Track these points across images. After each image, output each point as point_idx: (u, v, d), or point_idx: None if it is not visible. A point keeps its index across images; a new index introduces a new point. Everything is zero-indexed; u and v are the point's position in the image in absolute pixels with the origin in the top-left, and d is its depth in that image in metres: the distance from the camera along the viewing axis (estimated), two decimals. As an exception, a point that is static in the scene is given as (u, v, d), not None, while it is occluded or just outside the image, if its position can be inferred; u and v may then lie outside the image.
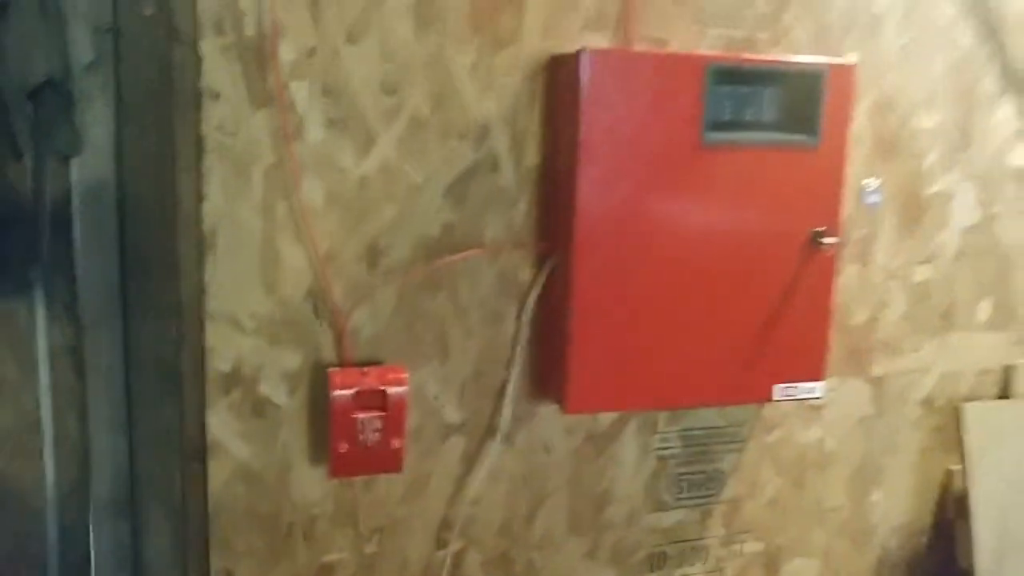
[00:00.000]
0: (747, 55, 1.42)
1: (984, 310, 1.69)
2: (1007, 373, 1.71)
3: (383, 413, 1.27)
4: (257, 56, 1.22)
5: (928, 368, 1.68)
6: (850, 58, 1.48)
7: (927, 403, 1.69)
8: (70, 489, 1.29)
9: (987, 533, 1.61)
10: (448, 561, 1.43)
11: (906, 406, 1.67)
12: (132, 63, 1.19)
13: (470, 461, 1.42)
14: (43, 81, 1.12)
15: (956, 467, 1.68)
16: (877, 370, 1.64)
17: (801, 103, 1.36)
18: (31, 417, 1.27)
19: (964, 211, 1.64)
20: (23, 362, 1.25)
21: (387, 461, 1.29)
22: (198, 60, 1.20)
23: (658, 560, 1.57)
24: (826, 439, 1.63)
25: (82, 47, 1.16)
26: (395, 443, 1.28)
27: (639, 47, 1.37)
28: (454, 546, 1.43)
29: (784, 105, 1.37)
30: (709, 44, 1.41)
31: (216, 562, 1.33)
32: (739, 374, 1.40)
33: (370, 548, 1.40)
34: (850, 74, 1.38)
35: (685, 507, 1.56)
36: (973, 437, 1.63)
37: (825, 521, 1.67)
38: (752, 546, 1.62)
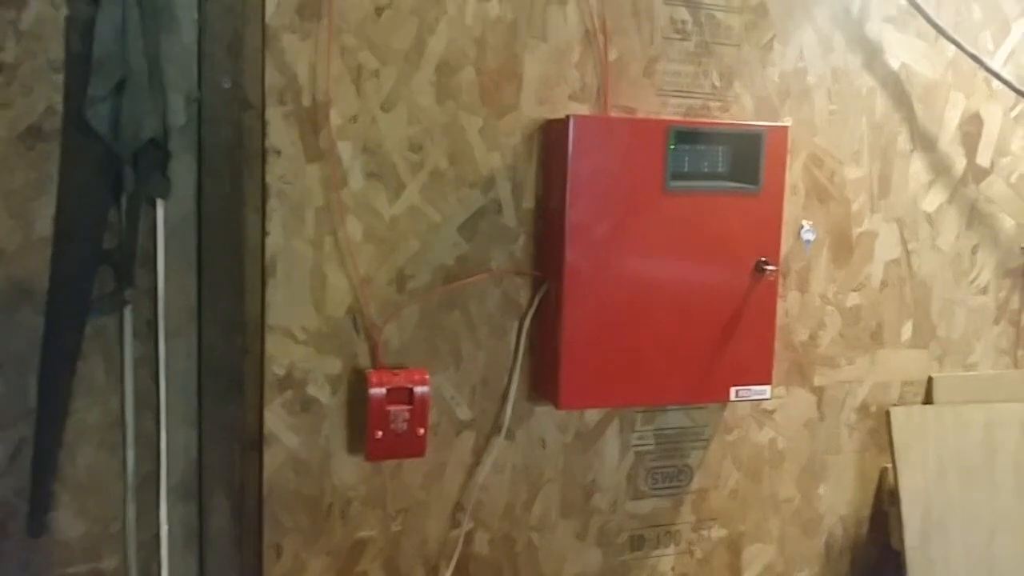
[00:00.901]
0: (701, 120, 1.75)
1: (907, 331, 2.00)
2: (928, 383, 2.02)
3: (410, 407, 1.55)
4: (311, 121, 1.53)
5: (862, 379, 1.97)
6: (785, 122, 1.81)
7: (862, 409, 1.98)
8: (145, 476, 1.54)
9: (913, 517, 1.89)
10: (461, 539, 1.69)
11: (844, 412, 1.97)
12: (212, 126, 1.48)
13: (479, 453, 1.69)
14: (148, 140, 1.42)
15: (890, 465, 1.97)
16: (818, 381, 1.94)
17: (745, 157, 1.68)
18: (115, 416, 1.52)
19: (887, 247, 1.95)
20: (111, 369, 1.51)
21: (413, 446, 1.57)
22: (264, 124, 1.51)
23: (637, 542, 1.83)
24: (778, 439, 1.92)
25: (176, 113, 1.46)
26: (420, 431, 1.56)
27: (614, 114, 1.70)
28: (466, 526, 1.69)
29: (732, 159, 1.69)
30: (670, 111, 1.74)
31: (268, 537, 1.59)
32: (701, 378, 1.69)
33: (396, 527, 1.66)
34: (784, 134, 1.70)
35: (659, 496, 1.84)
36: (900, 437, 1.92)
37: (779, 511, 1.95)
38: (718, 531, 1.90)
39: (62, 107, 1.41)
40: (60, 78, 1.41)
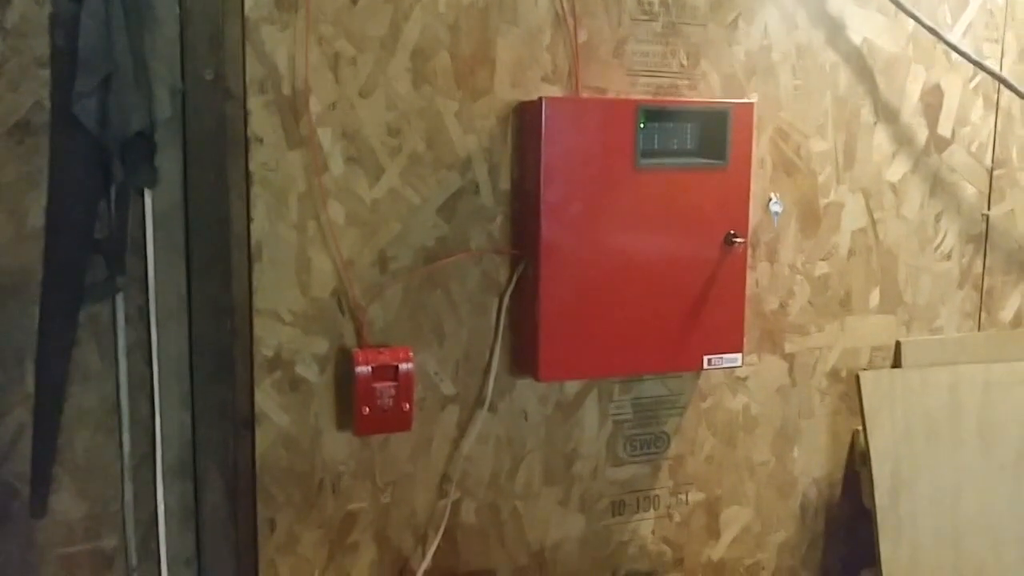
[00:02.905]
0: (669, 98, 1.86)
1: (875, 297, 2.13)
2: (897, 348, 2.15)
3: (395, 383, 1.67)
4: (292, 109, 1.63)
5: (831, 345, 2.11)
6: (751, 98, 1.93)
7: (833, 374, 2.12)
8: (141, 457, 1.65)
9: (882, 477, 2.03)
10: (448, 509, 1.81)
11: (815, 377, 2.10)
12: (196, 116, 1.58)
13: (463, 426, 1.81)
14: (135, 133, 1.52)
15: (860, 427, 2.11)
16: (789, 348, 2.07)
17: (713, 134, 1.79)
18: (111, 400, 1.62)
19: (853, 217, 2.08)
20: (105, 355, 1.61)
21: (400, 421, 1.68)
22: (246, 113, 1.61)
23: (618, 507, 1.97)
24: (751, 405, 2.05)
25: (162, 105, 1.55)
26: (405, 406, 1.68)
27: (585, 95, 1.81)
28: (452, 496, 1.82)
29: (699, 136, 1.80)
30: (640, 91, 1.85)
31: (261, 512, 1.70)
32: (675, 348, 1.81)
33: (385, 499, 1.78)
34: (750, 111, 1.82)
35: (638, 463, 1.97)
36: (869, 400, 2.06)
37: (755, 474, 2.08)
38: (695, 495, 2.03)
39: (49, 102, 1.51)
40: (47, 73, 1.50)
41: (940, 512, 2.06)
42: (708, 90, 1.91)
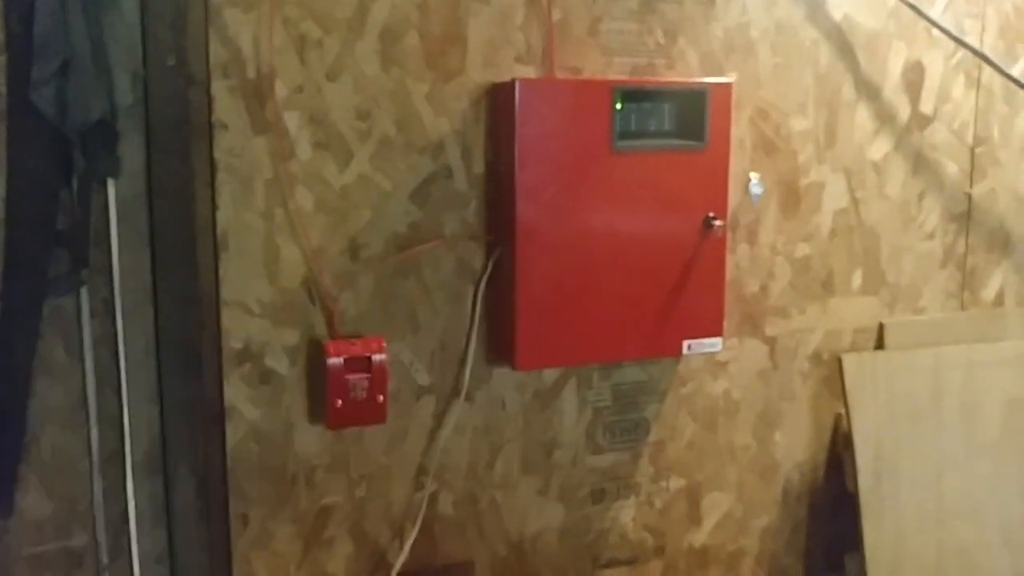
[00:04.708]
0: (646, 78, 1.88)
1: (857, 278, 2.16)
2: (880, 329, 2.19)
3: (368, 375, 1.68)
4: (257, 94, 1.63)
5: (813, 328, 2.14)
6: (729, 77, 1.94)
7: (815, 357, 2.15)
8: (110, 454, 1.66)
9: (865, 460, 2.07)
10: (425, 501, 1.83)
11: (797, 360, 2.14)
12: (158, 103, 1.58)
13: (439, 416, 1.83)
14: (96, 120, 1.52)
15: (843, 410, 2.15)
16: (770, 331, 2.10)
17: (690, 114, 1.81)
18: (77, 395, 1.63)
19: (835, 197, 2.10)
20: (71, 349, 1.61)
21: (373, 413, 1.70)
22: (210, 99, 1.61)
23: (598, 495, 2.00)
24: (732, 390, 2.08)
25: (123, 92, 1.55)
26: (379, 398, 1.69)
27: (560, 75, 1.81)
28: (429, 488, 1.84)
29: (677, 117, 1.82)
30: (616, 71, 1.86)
31: (234, 508, 1.72)
32: (654, 333, 1.83)
33: (360, 492, 1.80)
34: (728, 90, 1.84)
35: (618, 450, 2.00)
36: (852, 382, 2.09)
37: (736, 459, 2.12)
38: (676, 482, 2.06)
39: (6, 89, 1.50)
40: (2, 60, 1.49)
41: (923, 494, 2.11)
42: (686, 69, 1.92)
